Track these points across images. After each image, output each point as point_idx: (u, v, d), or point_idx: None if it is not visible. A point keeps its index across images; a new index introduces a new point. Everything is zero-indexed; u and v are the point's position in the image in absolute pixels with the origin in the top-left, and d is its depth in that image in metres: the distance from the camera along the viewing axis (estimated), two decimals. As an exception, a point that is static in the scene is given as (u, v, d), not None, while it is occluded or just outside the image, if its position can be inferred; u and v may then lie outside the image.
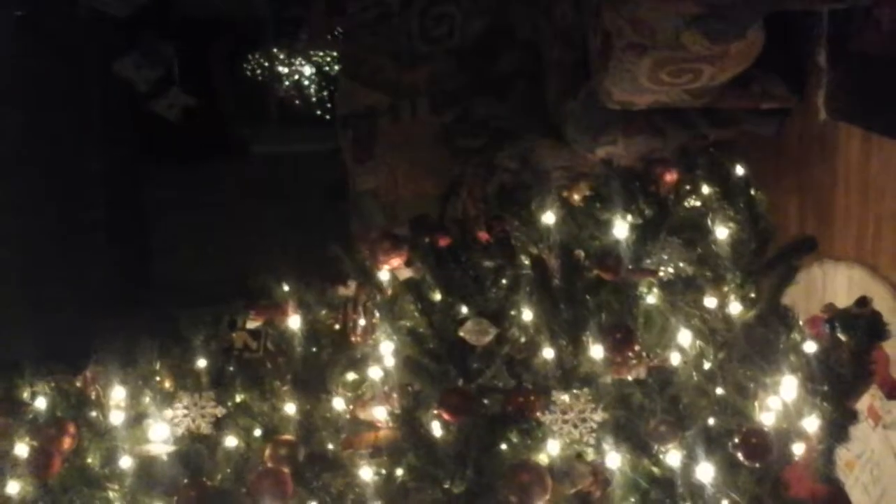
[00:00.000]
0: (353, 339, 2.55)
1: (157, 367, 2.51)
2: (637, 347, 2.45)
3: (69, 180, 6.92)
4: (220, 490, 2.34)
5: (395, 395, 2.45)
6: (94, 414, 2.46)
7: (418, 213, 3.34)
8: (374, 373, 2.48)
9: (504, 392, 2.40)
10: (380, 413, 2.44)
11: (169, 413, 2.37)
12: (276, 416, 2.43)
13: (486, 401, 2.39)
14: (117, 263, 7.19)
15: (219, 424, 2.38)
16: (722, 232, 2.64)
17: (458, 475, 2.29)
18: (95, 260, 6.98)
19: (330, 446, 2.41)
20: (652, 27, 3.06)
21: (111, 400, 2.46)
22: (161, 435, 2.38)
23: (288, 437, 2.38)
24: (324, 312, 2.61)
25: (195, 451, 2.36)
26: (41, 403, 2.47)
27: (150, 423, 2.39)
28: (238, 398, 2.44)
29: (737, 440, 2.37)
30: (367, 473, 2.36)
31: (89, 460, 2.39)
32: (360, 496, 2.34)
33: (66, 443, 2.37)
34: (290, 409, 2.45)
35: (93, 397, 2.50)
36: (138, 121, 7.42)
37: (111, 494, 2.36)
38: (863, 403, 2.47)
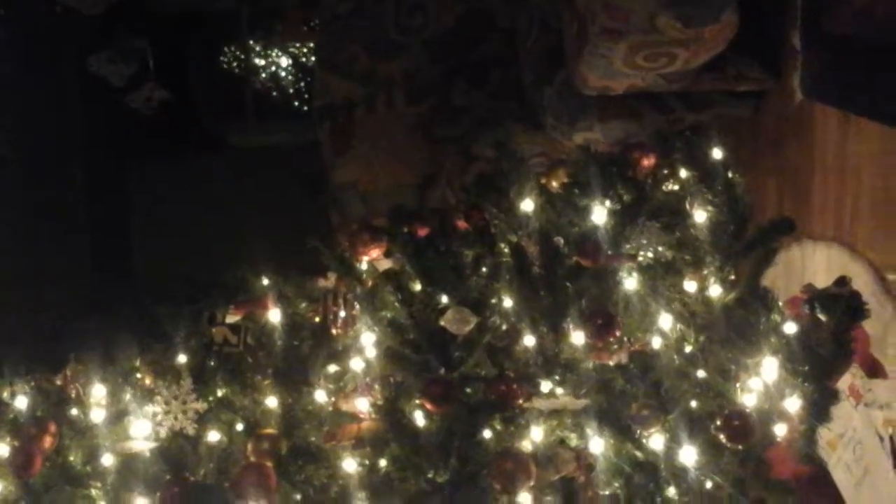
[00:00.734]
0: (333, 331, 2.54)
1: (137, 363, 2.50)
2: (618, 332, 2.45)
3: (48, 178, 6.89)
4: (204, 485, 2.33)
5: (377, 387, 2.45)
6: (74, 412, 2.44)
7: (397, 203, 3.33)
8: (356, 364, 2.47)
9: (486, 380, 2.40)
10: (362, 404, 2.43)
11: (150, 410, 2.36)
12: (258, 411, 2.42)
13: (468, 389, 2.38)
14: (96, 259, 7.16)
15: (200, 420, 2.38)
16: (700, 215, 2.63)
17: (442, 464, 2.29)
18: (74, 256, 6.95)
19: (313, 439, 2.40)
20: (626, 12, 3.06)
21: (91, 398, 2.45)
22: (142, 432, 2.36)
23: (270, 430, 2.37)
24: (304, 305, 2.59)
25: (177, 447, 2.35)
26: (21, 403, 2.45)
27: (132, 419, 2.38)
28: (219, 393, 2.43)
29: (719, 422, 2.37)
30: (350, 465, 2.36)
31: (71, 459, 2.38)
32: (343, 488, 2.34)
33: (48, 442, 2.36)
34: (272, 402, 2.43)
35: (73, 396, 2.48)
36: (116, 116, 7.38)
37: (93, 492, 2.35)
38: (844, 382, 2.47)
